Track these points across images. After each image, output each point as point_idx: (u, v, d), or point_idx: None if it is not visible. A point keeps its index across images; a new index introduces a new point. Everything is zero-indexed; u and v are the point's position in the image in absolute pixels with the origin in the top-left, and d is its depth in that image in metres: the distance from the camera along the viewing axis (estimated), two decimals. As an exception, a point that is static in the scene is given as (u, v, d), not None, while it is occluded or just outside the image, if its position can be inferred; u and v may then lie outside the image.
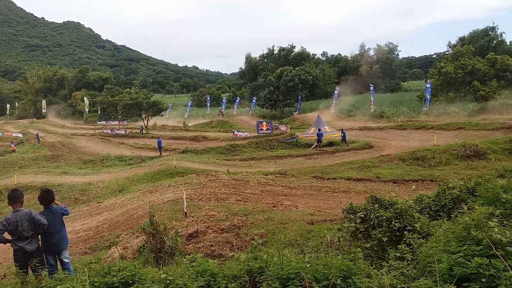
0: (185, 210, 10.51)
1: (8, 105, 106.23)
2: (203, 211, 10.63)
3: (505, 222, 3.88)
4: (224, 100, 71.95)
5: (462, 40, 73.29)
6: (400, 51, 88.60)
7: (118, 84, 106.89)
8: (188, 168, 22.54)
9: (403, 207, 5.18)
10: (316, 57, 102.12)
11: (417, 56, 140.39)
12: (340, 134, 32.11)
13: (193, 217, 10.20)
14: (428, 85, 44.82)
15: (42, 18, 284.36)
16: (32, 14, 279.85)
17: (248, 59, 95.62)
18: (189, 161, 25.64)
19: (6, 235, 5.43)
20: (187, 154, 29.84)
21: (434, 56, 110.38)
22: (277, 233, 8.28)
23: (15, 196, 5.61)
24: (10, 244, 5.49)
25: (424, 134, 30.35)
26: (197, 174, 17.62)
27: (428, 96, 44.05)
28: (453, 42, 77.35)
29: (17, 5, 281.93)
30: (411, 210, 5.22)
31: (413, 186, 12.38)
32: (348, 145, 29.22)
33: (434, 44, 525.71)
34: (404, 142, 28.33)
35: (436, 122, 35.01)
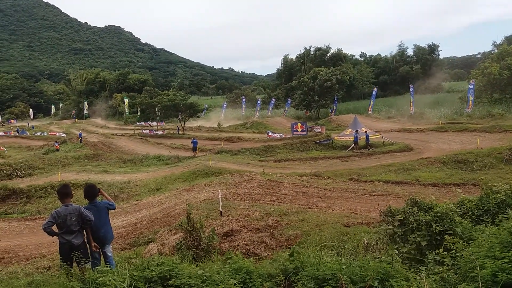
0: (221, 209, 10.65)
1: (53, 106, 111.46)
2: (238, 211, 10.73)
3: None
4: (258, 102, 72.19)
5: (508, 39, 69.92)
6: (441, 50, 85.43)
7: (156, 86, 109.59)
8: (223, 168, 22.79)
9: (444, 211, 5.04)
10: (354, 57, 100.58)
11: (459, 56, 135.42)
12: (379, 135, 31.50)
13: (228, 216, 10.31)
14: (471, 86, 43.10)
15: (85, 23, 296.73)
16: (76, 19, 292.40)
17: (286, 60, 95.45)
18: (224, 161, 25.91)
19: (54, 228, 5.70)
20: (222, 154, 30.16)
21: (478, 56, 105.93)
22: (312, 235, 8.24)
23: (65, 191, 5.87)
24: (57, 237, 5.75)
25: (466, 137, 29.18)
26: (232, 174, 17.78)
27: (471, 98, 42.34)
28: (499, 41, 73.96)
29: (62, 11, 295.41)
30: (452, 213, 5.07)
31: (458, 190, 11.96)
32: (370, 149, 28.82)
33: (478, 43, 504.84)
34: (445, 145, 27.39)
35: (479, 124, 33.58)
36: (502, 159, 19.48)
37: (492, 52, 65.21)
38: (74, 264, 5.54)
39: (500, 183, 6.65)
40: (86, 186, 6.31)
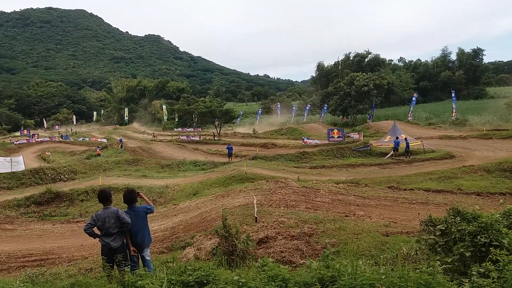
0: (256, 215, 10.65)
1: (95, 113, 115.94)
2: (273, 217, 10.69)
3: None
4: (294, 108, 71.99)
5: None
6: (485, 55, 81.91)
7: (193, 93, 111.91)
8: (258, 174, 22.82)
9: (489, 221, 4.80)
10: (392, 63, 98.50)
11: (505, 60, 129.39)
12: (419, 142, 30.58)
13: (263, 222, 10.29)
14: (518, 91, 41.12)
15: (126, 32, 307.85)
16: (117, 29, 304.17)
17: (320, 66, 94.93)
18: (259, 167, 25.94)
19: (96, 230, 5.91)
20: (257, 160, 30.22)
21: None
22: (350, 243, 8.06)
23: (103, 196, 6.09)
24: (98, 239, 5.96)
25: (512, 144, 27.82)
26: (267, 181, 17.74)
27: (519, 103, 40.38)
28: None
29: (105, 20, 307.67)
30: (498, 224, 4.82)
31: (501, 200, 11.41)
32: (409, 156, 27.94)
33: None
34: (489, 152, 26.20)
35: (527, 131, 31.91)
36: (553, 167, 18.41)
37: (541, 55, 61.99)
38: (115, 267, 5.71)
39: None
40: (125, 191, 6.49)
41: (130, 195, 6.34)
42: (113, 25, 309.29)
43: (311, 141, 39.27)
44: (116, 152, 43.21)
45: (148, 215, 6.47)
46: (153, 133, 67.18)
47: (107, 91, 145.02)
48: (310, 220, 10.31)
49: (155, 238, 11.90)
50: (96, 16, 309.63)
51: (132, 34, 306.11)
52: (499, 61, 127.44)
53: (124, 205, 6.42)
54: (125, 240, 6.03)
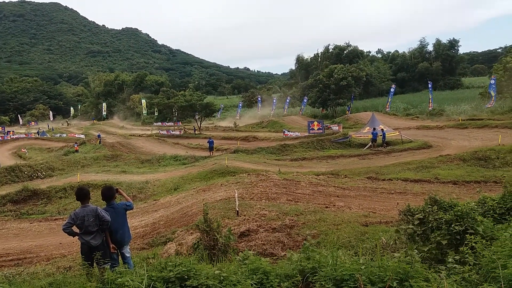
0: (237, 209, 10.66)
1: (72, 108, 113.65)
2: (254, 210, 10.72)
3: None
4: (274, 101, 72.09)
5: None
6: (461, 46, 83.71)
7: (173, 87, 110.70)
8: (239, 167, 22.81)
9: (465, 210, 4.93)
10: (370, 54, 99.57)
11: (479, 51, 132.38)
12: (397, 133, 31.07)
13: (244, 215, 10.31)
14: (492, 81, 42.10)
15: (103, 25, 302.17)
16: (94, 22, 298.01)
17: (299, 59, 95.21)
18: (240, 160, 25.93)
19: (75, 228, 5.81)
20: (238, 154, 30.19)
21: (499, 50, 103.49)
22: (330, 234, 8.16)
23: (82, 193, 5.98)
24: (78, 237, 5.86)
25: (487, 133, 28.54)
26: (248, 174, 17.76)
27: (493, 93, 41.37)
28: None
29: (81, 14, 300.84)
30: (473, 212, 4.96)
31: (477, 189, 11.71)
32: (386, 147, 28.62)
33: (500, 37, 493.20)
34: (465, 142, 26.84)
35: (501, 120, 32.75)
36: (525, 155, 18.97)
37: (514, 46, 63.61)
38: (95, 264, 5.63)
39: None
40: (103, 188, 6.39)
41: (109, 192, 6.24)
42: (89, 19, 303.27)
43: (291, 133, 39.45)
44: (94, 148, 42.54)
45: (127, 212, 6.39)
46: (184, 129, 57.09)
47: (84, 86, 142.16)
48: (291, 212, 10.38)
49: (136, 234, 11.79)
50: (71, 9, 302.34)
51: (109, 28, 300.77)
52: (474, 51, 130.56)
53: (102, 202, 6.32)
54: (104, 237, 5.95)
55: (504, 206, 5.80)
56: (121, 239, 6.14)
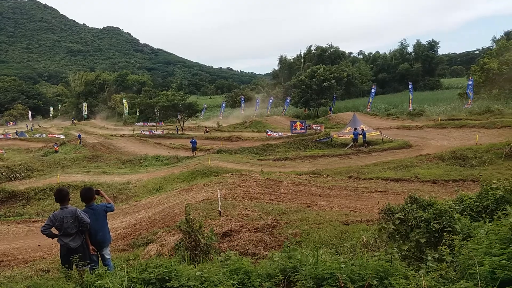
0: (220, 209, 10.63)
1: (51, 108, 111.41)
2: (237, 210, 10.71)
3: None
4: (257, 101, 72.15)
5: (508, 34, 69.90)
6: (440, 47, 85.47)
7: (155, 86, 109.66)
8: (222, 168, 22.75)
9: (443, 208, 5.02)
10: (352, 55, 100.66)
11: (458, 52, 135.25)
12: (378, 133, 31.47)
13: (227, 216, 10.30)
14: (470, 82, 43.06)
15: (84, 24, 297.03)
16: (74, 21, 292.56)
17: (282, 60, 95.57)
18: (223, 161, 25.88)
19: (54, 230, 5.70)
20: (221, 154, 30.12)
21: (477, 52, 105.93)
22: (312, 233, 8.22)
23: (61, 195, 5.86)
24: (57, 239, 5.75)
25: (465, 133, 29.17)
26: (231, 174, 17.75)
27: (470, 94, 42.32)
28: (498, 37, 73.98)
29: (60, 12, 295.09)
30: (451, 211, 5.05)
31: (455, 187, 11.95)
32: (367, 146, 28.98)
33: (477, 39, 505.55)
34: (444, 141, 27.38)
35: (478, 120, 33.54)
36: (501, 154, 19.45)
37: (491, 48, 65.19)
38: (74, 267, 5.54)
39: (499, 179, 6.63)
40: (82, 189, 6.29)
41: (88, 194, 6.14)
42: (69, 17, 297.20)
43: (274, 133, 39.53)
44: (74, 149, 41.84)
45: (108, 213, 6.30)
46: (205, 129, 54.59)
47: (65, 86, 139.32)
48: (273, 211, 10.41)
49: (117, 235, 11.64)
50: (51, 7, 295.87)
51: (90, 26, 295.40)
52: (453, 53, 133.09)
53: (83, 203, 6.22)
54: (84, 239, 5.85)
55: (480, 204, 5.93)
56: (101, 241, 6.06)
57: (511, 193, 5.91)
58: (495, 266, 3.04)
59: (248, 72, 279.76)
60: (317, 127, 40.12)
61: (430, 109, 45.74)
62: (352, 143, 29.92)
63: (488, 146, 21.22)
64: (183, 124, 55.16)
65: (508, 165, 17.87)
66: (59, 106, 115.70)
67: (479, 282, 2.97)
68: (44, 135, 59.99)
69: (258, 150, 31.80)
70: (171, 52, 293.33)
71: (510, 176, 7.58)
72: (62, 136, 55.40)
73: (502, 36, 71.53)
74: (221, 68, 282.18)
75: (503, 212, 4.52)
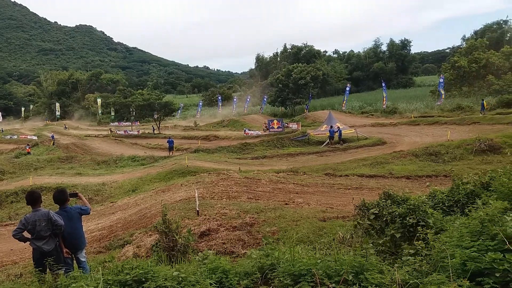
0: (197, 209, 10.57)
1: (23, 108, 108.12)
2: (215, 210, 10.68)
3: (520, 216, 3.80)
4: (235, 99, 72.05)
5: (477, 33, 72.10)
6: (412, 45, 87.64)
7: (130, 85, 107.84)
8: (200, 167, 22.64)
9: (416, 203, 5.13)
10: (327, 54, 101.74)
11: (430, 51, 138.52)
12: (353, 130, 31.92)
13: (205, 215, 10.25)
14: (441, 80, 44.24)
15: (55, 22, 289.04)
16: (45, 19, 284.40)
17: (259, 58, 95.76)
18: (201, 160, 25.74)
19: (26, 234, 5.53)
20: (199, 153, 29.97)
21: (448, 50, 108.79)
22: (289, 231, 8.27)
23: (33, 198, 5.70)
24: (29, 243, 5.59)
25: (437, 130, 29.94)
26: (209, 173, 17.68)
27: (442, 91, 43.47)
28: (468, 35, 76.21)
29: (31, 10, 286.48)
30: (424, 205, 5.16)
31: (427, 183, 12.25)
32: (342, 144, 29.40)
33: (449, 38, 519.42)
34: (417, 138, 28.01)
35: (450, 117, 34.51)
36: (471, 150, 20.04)
37: (461, 46, 67.12)
38: (48, 271, 5.40)
39: (470, 174, 6.84)
40: (55, 192, 6.13)
41: (61, 196, 5.98)
42: (40, 15, 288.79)
43: (252, 132, 39.60)
44: (47, 150, 40.81)
45: (84, 215, 6.17)
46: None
47: (36, 85, 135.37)
48: (251, 210, 10.43)
49: (92, 237, 11.43)
50: (20, 4, 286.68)
51: (62, 25, 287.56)
52: (425, 51, 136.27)
53: (54, 207, 6.07)
54: (58, 242, 5.71)
55: (452, 199, 6.10)
56: (75, 244, 5.92)
57: (481, 187, 6.10)
58: (466, 258, 3.13)
59: (225, 71, 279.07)
60: (294, 126, 40.36)
61: (403, 106, 46.72)
62: (328, 140, 30.27)
63: (459, 142, 21.83)
64: (159, 123, 54.56)
65: (478, 160, 18.43)
66: (31, 106, 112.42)
67: (450, 274, 3.04)
68: (15, 136, 58.17)
69: (236, 149, 31.79)
70: (146, 51, 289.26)
71: (480, 170, 7.82)
72: (35, 137, 53.87)
73: (472, 35, 73.74)
74: (197, 66, 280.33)
75: (473, 206, 4.65)
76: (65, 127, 57.96)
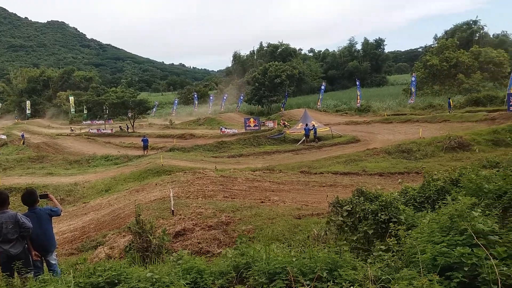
0: (172, 208, 10.46)
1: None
2: (190, 209, 10.60)
3: (487, 212, 3.92)
4: (211, 98, 71.64)
5: (448, 33, 74.01)
6: (386, 44, 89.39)
7: (104, 83, 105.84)
8: (175, 166, 22.41)
9: (388, 200, 5.21)
10: (303, 52, 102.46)
11: (402, 50, 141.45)
12: (328, 128, 32.27)
13: (180, 215, 10.16)
14: (413, 79, 45.26)
15: (26, 18, 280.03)
16: (15, 14, 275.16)
17: (236, 56, 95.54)
18: (176, 159, 25.49)
19: None
20: (174, 152, 29.67)
21: (420, 49, 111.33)
22: (265, 229, 8.30)
23: (0, 199, 5.49)
24: None
25: (409, 127, 30.63)
26: (185, 172, 17.54)
27: (414, 90, 44.48)
28: (439, 35, 78.12)
29: (0, 5, 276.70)
30: (396, 202, 5.25)
31: (399, 179, 12.50)
32: (318, 142, 29.69)
33: (421, 37, 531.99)
34: (390, 136, 28.56)
35: (422, 115, 35.38)
36: (442, 147, 20.61)
37: (433, 45, 68.80)
38: (16, 274, 5.22)
39: (440, 171, 7.01)
40: (24, 193, 5.93)
41: (30, 197, 5.79)
42: (10, 10, 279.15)
43: (228, 130, 39.53)
44: (17, 149, 39.59)
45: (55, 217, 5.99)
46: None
47: (6, 83, 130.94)
48: (227, 208, 10.40)
49: (64, 239, 11.16)
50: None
51: (33, 20, 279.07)
52: (398, 50, 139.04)
53: (24, 208, 5.88)
54: (26, 245, 5.53)
55: (423, 195, 6.23)
56: (45, 246, 5.75)
57: (451, 183, 6.26)
58: (436, 253, 3.19)
59: (201, 69, 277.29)
60: (270, 124, 40.47)
61: (377, 105, 47.56)
62: (303, 138, 30.51)
63: (431, 139, 22.39)
64: (134, 121, 53.73)
65: (449, 157, 18.96)
66: (0, 104, 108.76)
67: (421, 269, 3.10)
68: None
69: (212, 147, 31.62)
70: (120, 48, 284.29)
71: (450, 167, 8.04)
72: (4, 136, 52.15)
73: (443, 34, 75.65)
74: (173, 64, 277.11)
75: (444, 202, 4.76)
76: (71, 129, 56.52)
